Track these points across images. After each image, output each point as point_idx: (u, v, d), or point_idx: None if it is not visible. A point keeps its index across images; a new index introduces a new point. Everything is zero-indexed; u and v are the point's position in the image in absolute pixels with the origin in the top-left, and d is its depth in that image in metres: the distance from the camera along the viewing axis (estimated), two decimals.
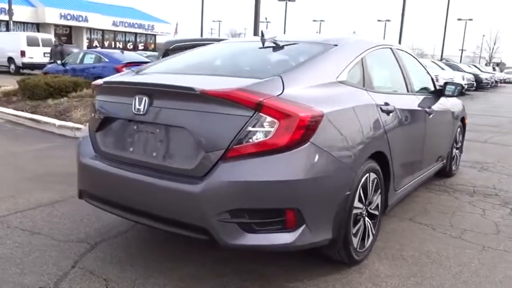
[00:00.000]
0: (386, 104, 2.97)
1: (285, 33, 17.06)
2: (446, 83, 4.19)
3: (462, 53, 60.60)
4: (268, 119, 2.15)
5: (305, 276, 2.56)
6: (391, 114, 2.97)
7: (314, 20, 65.09)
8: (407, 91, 3.64)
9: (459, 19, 56.81)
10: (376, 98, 2.90)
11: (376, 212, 2.86)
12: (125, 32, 41.57)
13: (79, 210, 3.50)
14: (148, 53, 25.57)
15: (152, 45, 43.00)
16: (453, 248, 3.06)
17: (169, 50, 4.89)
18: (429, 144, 3.83)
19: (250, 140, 2.16)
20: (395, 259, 2.86)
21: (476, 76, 23.97)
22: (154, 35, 44.13)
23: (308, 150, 2.19)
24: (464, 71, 23.47)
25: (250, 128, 2.15)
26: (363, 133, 2.61)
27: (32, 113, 7.94)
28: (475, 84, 22.83)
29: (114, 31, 40.49)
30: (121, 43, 41.09)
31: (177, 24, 44.60)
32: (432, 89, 4.24)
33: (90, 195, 2.77)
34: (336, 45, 2.95)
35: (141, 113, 2.41)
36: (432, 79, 4.34)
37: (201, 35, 34.54)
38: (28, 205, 3.64)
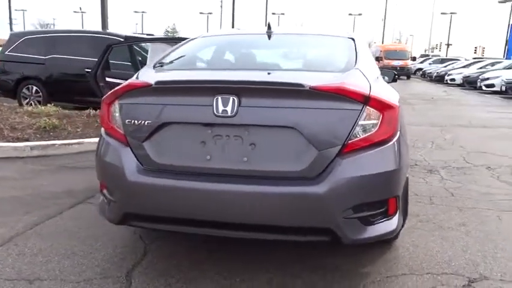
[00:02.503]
0: None
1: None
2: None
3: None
4: (374, 111, 2.17)
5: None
6: None
7: (273, 13, 62.61)
8: None
9: (273, 13, 62.49)
10: None
11: None
12: None
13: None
14: None
15: None
16: None
17: (114, 45, 4.38)
18: None
19: (361, 134, 2.15)
20: None
21: None
22: None
23: (399, 139, 2.31)
24: None
25: (361, 122, 2.14)
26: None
27: None
28: None
29: None
30: None
31: None
32: None
33: (140, 217, 2.35)
34: (353, 38, 3.12)
35: (229, 115, 2.14)
36: None
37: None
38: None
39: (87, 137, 5.99)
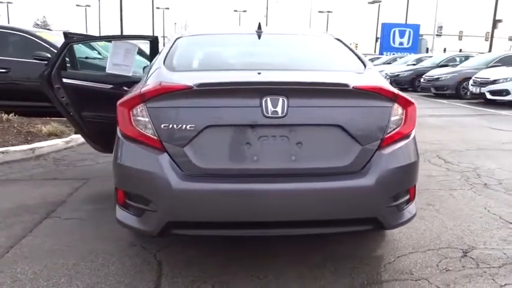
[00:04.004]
0: None
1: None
2: None
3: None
4: (400, 108, 2.34)
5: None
6: None
7: (158, 8, 59.52)
8: None
9: (158, 7, 60.91)
10: None
11: None
12: None
13: None
14: None
15: None
16: None
17: (72, 43, 3.94)
18: None
19: (394, 129, 2.32)
20: None
21: None
22: None
23: (414, 132, 2.54)
24: None
25: (392, 118, 2.31)
26: None
27: None
28: None
29: None
30: None
31: None
32: None
33: (184, 225, 2.27)
34: (338, 39, 3.33)
35: (279, 115, 2.17)
36: None
37: None
38: None
39: (11, 145, 5.33)
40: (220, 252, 2.77)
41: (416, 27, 38.61)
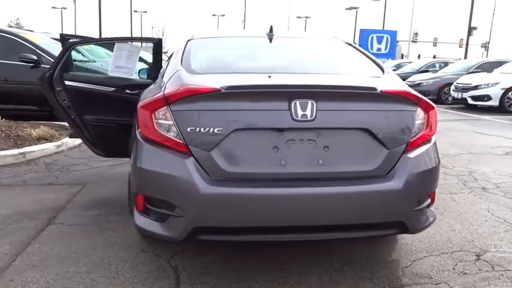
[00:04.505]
0: None
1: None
2: None
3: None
4: (422, 112, 2.36)
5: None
6: None
7: (213, 15, 61.00)
8: None
9: (135, 11, 60.19)
10: None
11: None
12: None
13: None
14: None
15: None
16: None
17: (76, 44, 3.83)
18: None
19: (417, 133, 2.34)
20: None
21: None
22: None
23: (435, 137, 2.56)
24: None
25: (416, 122, 2.32)
26: None
27: None
28: None
29: None
30: None
31: None
32: None
33: (211, 230, 2.22)
34: (349, 43, 3.34)
35: (308, 119, 2.14)
36: None
37: None
38: None
39: (1, 149, 5.15)
40: (236, 257, 2.72)
41: (393, 34, 39.23)
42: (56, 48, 8.14)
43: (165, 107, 2.18)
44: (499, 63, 13.71)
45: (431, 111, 2.41)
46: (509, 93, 11.42)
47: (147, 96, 2.46)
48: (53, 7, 62.48)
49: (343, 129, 2.24)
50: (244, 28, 57.46)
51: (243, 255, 2.75)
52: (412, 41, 44.74)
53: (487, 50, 46.83)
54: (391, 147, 2.26)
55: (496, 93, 11.42)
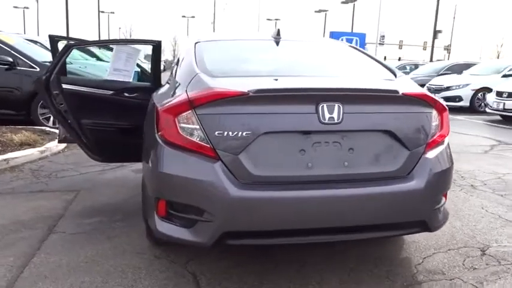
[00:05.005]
0: None
1: None
2: None
3: None
4: (437, 114, 2.43)
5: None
6: None
7: (183, 16, 62.10)
8: None
9: (102, 11, 58.89)
10: None
11: None
12: None
13: None
14: None
15: None
16: None
17: (74, 46, 3.69)
18: None
19: (434, 134, 2.41)
20: None
21: None
22: None
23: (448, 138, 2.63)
24: None
25: (433, 123, 2.40)
26: None
27: None
28: None
29: None
30: None
31: None
32: None
33: (240, 235, 2.21)
34: (354, 47, 3.40)
35: (335, 121, 2.17)
36: None
37: None
38: None
39: None
40: (252, 261, 2.71)
41: (362, 36, 40.01)
42: (32, 50, 7.92)
43: (190, 111, 2.15)
44: (467, 66, 14.26)
45: (444, 113, 2.49)
46: (479, 94, 11.90)
47: (164, 99, 2.42)
48: (14, 6, 60.46)
49: (367, 131, 2.28)
50: (213, 30, 57.36)
51: (258, 258, 2.75)
52: (380, 44, 45.82)
53: (449, 53, 48.57)
54: (411, 148, 2.32)
55: (466, 94, 11.88)
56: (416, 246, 3.00)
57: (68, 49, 3.39)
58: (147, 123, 2.74)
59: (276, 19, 60.05)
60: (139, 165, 5.14)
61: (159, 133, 2.28)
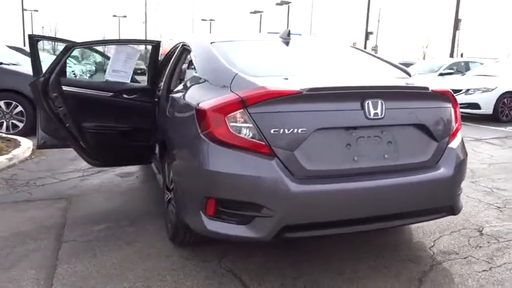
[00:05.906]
0: None
1: None
2: None
3: None
4: (452, 108, 2.68)
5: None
6: None
7: (114, 15, 58.97)
8: None
9: (25, 9, 55.32)
10: None
11: None
12: None
13: None
14: None
15: None
16: None
17: (75, 47, 3.47)
18: None
19: (454, 127, 2.66)
20: None
21: None
22: None
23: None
24: None
25: (452, 117, 2.66)
26: None
27: None
28: None
29: None
30: None
31: None
32: None
33: (299, 227, 2.30)
34: (356, 48, 3.60)
35: (379, 117, 2.34)
36: None
37: None
38: None
39: None
40: (281, 255, 2.79)
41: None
42: None
43: (242, 110, 2.20)
44: (407, 65, 15.26)
45: (457, 107, 2.75)
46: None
47: (203, 99, 2.42)
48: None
49: (403, 125, 2.48)
50: (145, 30, 55.90)
51: (286, 251, 2.84)
52: None
53: (376, 53, 51.43)
54: (439, 140, 2.57)
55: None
56: (422, 231, 3.24)
57: (68, 50, 3.25)
58: (176, 123, 2.72)
59: (211, 19, 59.92)
60: (123, 169, 5.07)
61: (205, 132, 2.30)
